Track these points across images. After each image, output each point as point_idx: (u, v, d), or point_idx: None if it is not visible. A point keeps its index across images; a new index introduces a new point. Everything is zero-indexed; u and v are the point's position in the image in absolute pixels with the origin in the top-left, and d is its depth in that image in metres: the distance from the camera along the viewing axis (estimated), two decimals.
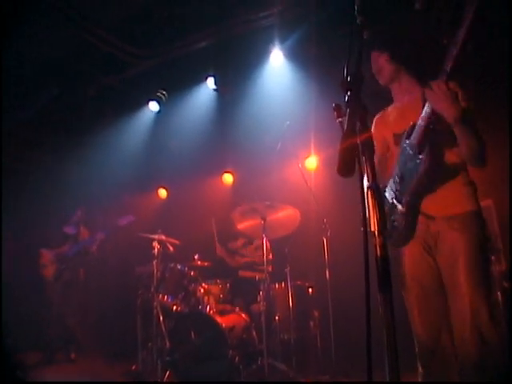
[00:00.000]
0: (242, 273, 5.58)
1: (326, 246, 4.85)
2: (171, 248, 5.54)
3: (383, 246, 1.43)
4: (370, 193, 1.46)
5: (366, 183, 1.48)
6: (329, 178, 5.69)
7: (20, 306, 6.40)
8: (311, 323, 5.00)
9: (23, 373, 3.50)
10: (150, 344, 5.11)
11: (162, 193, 7.72)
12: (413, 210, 2.49)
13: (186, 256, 5.50)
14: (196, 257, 5.45)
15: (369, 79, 2.72)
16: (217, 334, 4.48)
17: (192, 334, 4.59)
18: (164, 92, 6.65)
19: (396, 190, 2.54)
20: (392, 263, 1.48)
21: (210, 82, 6.33)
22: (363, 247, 1.42)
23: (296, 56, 5.76)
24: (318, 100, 5.31)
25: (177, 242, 5.59)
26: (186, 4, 5.23)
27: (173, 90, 6.62)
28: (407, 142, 2.46)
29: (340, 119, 1.57)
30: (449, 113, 2.23)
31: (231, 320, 4.73)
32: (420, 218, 2.50)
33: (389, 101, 2.83)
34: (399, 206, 2.51)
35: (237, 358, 4.40)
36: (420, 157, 2.39)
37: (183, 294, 5.15)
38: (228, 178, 7.19)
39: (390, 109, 2.82)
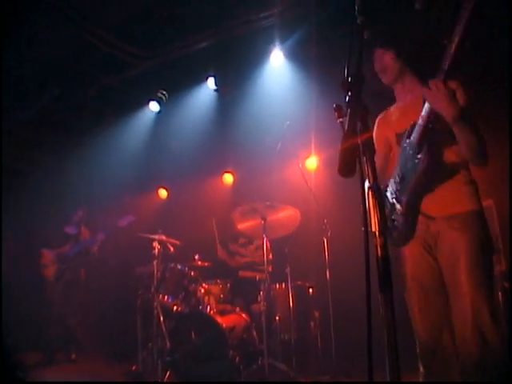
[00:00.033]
0: (242, 273, 5.58)
1: (327, 246, 4.85)
2: (171, 248, 5.54)
3: (384, 247, 1.43)
4: (370, 193, 1.46)
5: (366, 183, 1.48)
6: (329, 178, 5.69)
7: (20, 306, 6.40)
8: (311, 323, 5.00)
9: (23, 373, 3.50)
10: (150, 344, 5.12)
11: (163, 193, 7.72)
12: (412, 210, 2.49)
13: (187, 256, 5.50)
14: (196, 257, 5.45)
15: (370, 79, 2.73)
16: (217, 334, 4.48)
17: (192, 334, 4.59)
18: (164, 92, 6.65)
19: (396, 190, 2.54)
20: (393, 263, 1.48)
21: (211, 83, 6.33)
22: (364, 247, 1.42)
23: (296, 56, 5.77)
24: (319, 100, 5.31)
25: (177, 242, 5.59)
26: (187, 4, 5.23)
27: (173, 90, 6.63)
28: (407, 141, 2.46)
29: (341, 119, 1.58)
30: (447, 112, 2.22)
31: (232, 320, 4.73)
32: (420, 217, 2.49)
33: (391, 100, 2.83)
34: (399, 206, 2.51)
35: (237, 358, 4.40)
36: (419, 156, 2.39)
37: (183, 294, 5.15)
38: (228, 178, 7.20)
39: (392, 108, 2.82)
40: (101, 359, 6.09)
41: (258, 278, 5.07)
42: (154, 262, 5.18)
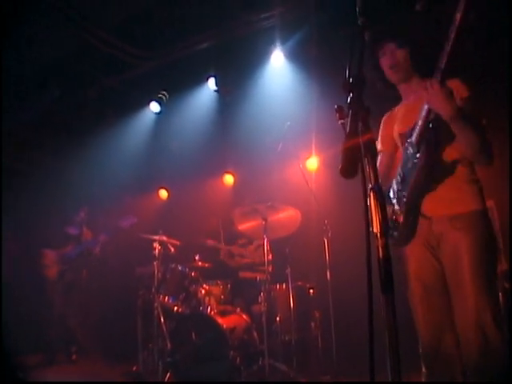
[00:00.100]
0: (242, 274, 5.58)
1: (327, 247, 4.84)
2: (172, 249, 5.54)
3: (385, 247, 1.43)
4: (372, 194, 1.46)
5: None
6: (330, 179, 5.69)
7: (20, 307, 6.39)
8: (312, 324, 5.00)
9: (24, 373, 3.50)
10: (150, 345, 5.13)
11: (163, 193, 7.72)
12: (413, 210, 2.48)
13: (187, 257, 5.50)
14: (197, 257, 5.45)
15: (372, 79, 2.72)
16: (218, 335, 4.48)
17: (193, 334, 4.59)
18: (165, 93, 6.65)
19: (397, 190, 2.54)
20: (395, 263, 1.48)
21: (211, 83, 6.33)
22: (366, 248, 1.41)
23: (297, 57, 5.77)
24: (319, 101, 5.32)
25: (178, 242, 5.59)
26: (187, 5, 5.23)
27: (174, 90, 6.63)
28: (409, 141, 2.45)
29: (342, 121, 1.58)
30: (444, 111, 2.22)
31: (232, 321, 4.73)
32: (421, 217, 2.49)
33: (394, 101, 2.82)
34: (400, 206, 2.51)
35: (238, 359, 4.41)
36: (417, 156, 2.39)
37: (184, 294, 5.14)
38: (229, 179, 7.19)
39: (397, 108, 2.80)
40: (101, 360, 6.08)
41: (258, 278, 5.07)
42: (155, 263, 5.18)
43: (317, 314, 5.01)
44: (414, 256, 2.55)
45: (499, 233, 4.03)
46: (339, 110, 1.59)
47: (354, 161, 1.48)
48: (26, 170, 7.64)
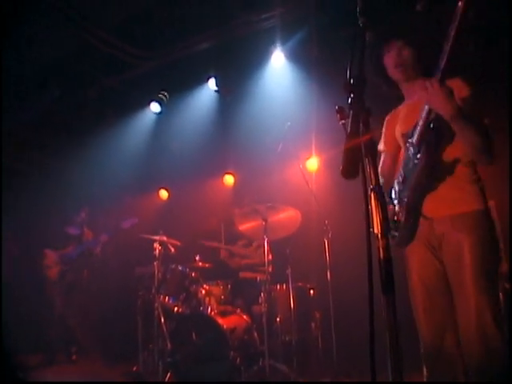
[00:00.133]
0: (242, 274, 5.57)
1: (328, 248, 4.84)
2: (172, 249, 5.54)
3: (386, 248, 1.43)
4: (373, 195, 1.46)
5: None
6: (330, 179, 5.69)
7: (20, 307, 6.39)
8: (312, 325, 5.00)
9: (24, 373, 3.50)
10: (151, 345, 5.13)
11: (163, 194, 7.71)
12: (413, 211, 2.48)
13: (187, 257, 5.50)
14: (197, 258, 5.44)
15: (375, 79, 2.71)
16: (218, 336, 4.48)
17: (193, 335, 4.59)
18: (165, 93, 6.65)
19: (399, 191, 2.54)
20: (398, 264, 1.48)
21: (212, 83, 6.33)
22: (366, 249, 1.41)
23: (297, 57, 5.76)
24: (319, 101, 5.32)
25: (178, 243, 5.59)
26: (188, 5, 5.23)
27: (174, 91, 6.62)
28: (410, 141, 2.44)
29: (343, 121, 1.57)
30: (444, 111, 2.21)
31: (232, 321, 4.73)
32: (422, 218, 2.48)
33: (399, 100, 2.81)
34: (401, 206, 2.50)
35: (238, 360, 4.41)
36: (418, 156, 2.38)
37: (184, 295, 5.14)
38: (229, 179, 7.19)
39: (400, 108, 2.79)
40: (101, 360, 6.08)
41: (258, 279, 5.07)
42: (155, 263, 5.18)
43: (317, 315, 5.01)
44: (415, 256, 2.55)
45: (499, 233, 4.03)
46: (340, 110, 1.59)
47: (355, 161, 1.48)
48: (26, 170, 7.64)
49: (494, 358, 2.19)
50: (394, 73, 2.62)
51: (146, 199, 7.62)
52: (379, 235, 1.44)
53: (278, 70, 5.95)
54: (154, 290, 5.11)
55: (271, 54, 5.84)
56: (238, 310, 5.01)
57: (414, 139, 2.40)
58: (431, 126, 2.33)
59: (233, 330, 4.55)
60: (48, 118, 7.00)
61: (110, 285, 6.84)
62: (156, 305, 5.05)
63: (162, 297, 5.12)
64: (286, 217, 5.05)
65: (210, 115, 6.69)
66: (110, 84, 6.55)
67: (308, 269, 5.29)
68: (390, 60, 2.60)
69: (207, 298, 4.94)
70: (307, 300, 5.09)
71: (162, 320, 5.01)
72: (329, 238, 4.87)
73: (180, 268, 5.26)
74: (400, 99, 2.79)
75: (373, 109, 1.52)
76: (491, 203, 3.95)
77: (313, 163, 6.10)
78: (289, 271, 4.95)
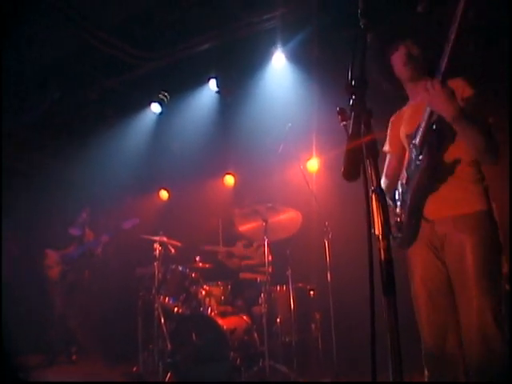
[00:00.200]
0: (242, 275, 5.57)
1: (328, 249, 4.83)
2: (172, 250, 5.54)
3: (387, 250, 1.43)
4: (374, 196, 1.46)
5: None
6: (330, 180, 5.68)
7: (20, 307, 6.40)
8: (312, 325, 5.00)
9: (25, 374, 3.50)
10: (151, 345, 5.14)
11: (164, 194, 7.71)
12: (416, 212, 2.48)
13: (188, 258, 5.50)
14: (197, 258, 5.44)
15: (380, 79, 2.71)
16: (218, 336, 4.48)
17: (193, 335, 4.59)
18: (166, 94, 6.65)
19: (402, 192, 2.54)
20: (399, 266, 1.48)
21: (212, 84, 6.33)
22: (367, 250, 1.41)
23: (298, 58, 5.76)
24: (320, 102, 5.32)
25: (178, 243, 5.60)
26: (188, 5, 5.23)
27: (175, 91, 6.62)
28: (413, 142, 2.44)
29: (344, 123, 1.57)
30: (446, 112, 2.20)
31: (232, 322, 4.73)
32: (423, 220, 2.48)
33: (404, 101, 2.80)
34: (404, 208, 2.50)
35: (238, 360, 4.41)
36: (420, 158, 2.38)
37: (184, 295, 5.15)
38: (229, 180, 7.19)
39: (405, 109, 2.78)
40: (101, 360, 6.08)
41: (258, 279, 5.07)
42: (155, 264, 5.19)
43: (317, 316, 5.01)
44: (417, 257, 2.54)
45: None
46: (341, 112, 1.58)
47: (356, 163, 1.48)
48: (27, 170, 7.64)
49: (495, 359, 2.19)
50: (402, 71, 2.59)
51: (146, 200, 7.62)
52: (380, 237, 1.44)
53: (279, 70, 5.95)
54: (154, 291, 5.12)
55: (272, 54, 5.84)
56: (238, 311, 5.02)
57: (417, 140, 2.39)
58: (433, 127, 2.32)
59: (233, 331, 4.56)
60: (48, 119, 7.00)
61: (110, 285, 6.84)
62: (156, 305, 5.05)
63: (162, 297, 5.13)
64: (287, 218, 5.06)
65: (211, 116, 6.69)
66: (110, 84, 6.54)
67: (308, 270, 5.28)
68: (398, 58, 2.56)
69: (207, 299, 4.94)
70: (307, 301, 5.09)
71: (162, 320, 5.01)
72: (329, 239, 4.87)
73: (180, 268, 5.27)
74: (404, 100, 2.79)
75: (375, 110, 1.52)
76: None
77: (313, 164, 6.10)
78: (289, 272, 4.95)
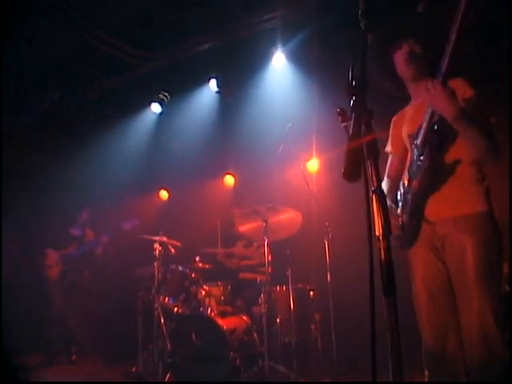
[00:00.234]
0: (242, 275, 5.57)
1: (328, 249, 4.83)
2: (172, 250, 5.54)
3: (387, 250, 1.43)
4: (374, 197, 1.46)
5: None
6: (330, 181, 5.68)
7: (20, 307, 6.39)
8: (312, 326, 5.00)
9: (25, 373, 3.50)
10: (150, 345, 5.13)
11: (164, 194, 7.71)
12: (417, 213, 2.47)
13: (188, 258, 5.50)
14: (197, 259, 5.44)
15: (382, 79, 2.70)
16: (218, 336, 4.48)
17: (193, 335, 4.59)
18: (166, 94, 6.65)
19: (403, 192, 2.53)
20: (399, 266, 1.48)
21: (213, 84, 6.34)
22: (368, 251, 1.41)
23: (298, 58, 5.77)
24: (320, 102, 5.32)
25: (178, 243, 5.60)
26: (189, 6, 5.23)
27: (175, 91, 6.63)
28: (415, 142, 2.43)
29: (345, 123, 1.57)
30: (447, 112, 2.20)
31: (232, 322, 4.73)
32: (424, 222, 2.48)
33: (406, 101, 2.80)
34: (405, 208, 2.50)
35: (238, 360, 4.40)
36: (421, 158, 2.38)
37: (184, 295, 5.15)
38: (229, 180, 7.19)
39: (407, 108, 2.77)
40: (101, 360, 6.08)
41: (258, 280, 5.07)
42: (155, 264, 5.19)
43: (317, 316, 5.01)
44: (419, 258, 2.54)
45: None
46: (342, 112, 1.58)
47: (357, 164, 1.48)
48: (27, 170, 7.64)
49: (495, 359, 2.19)
50: (404, 70, 2.58)
51: (146, 200, 7.62)
52: (380, 237, 1.44)
53: (279, 71, 5.96)
54: (153, 291, 5.12)
55: (272, 55, 5.84)
56: (238, 311, 5.02)
57: (419, 141, 2.39)
58: (435, 127, 2.32)
59: (232, 331, 4.55)
60: (48, 119, 7.00)
61: (110, 285, 6.84)
62: (156, 305, 5.05)
63: (161, 297, 5.13)
64: (287, 218, 5.06)
65: (211, 116, 6.69)
66: (110, 84, 6.54)
67: (308, 270, 5.29)
68: (400, 57, 2.56)
69: (207, 299, 4.94)
70: (307, 301, 5.09)
71: (162, 320, 5.01)
72: (329, 239, 4.87)
73: (180, 269, 5.27)
74: (405, 100, 2.78)
75: (375, 111, 1.52)
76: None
77: (313, 164, 6.10)
78: (289, 272, 4.95)
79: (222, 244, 6.01)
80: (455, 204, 2.39)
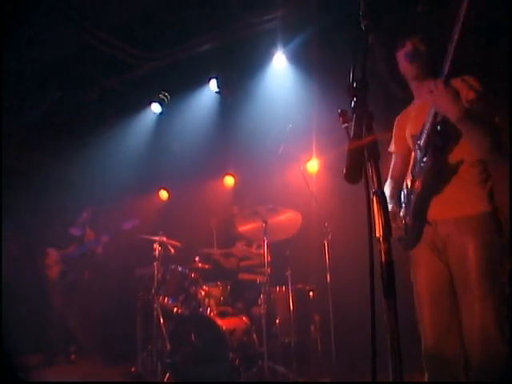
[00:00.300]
0: (241, 276, 5.57)
1: (327, 250, 4.83)
2: (172, 250, 5.54)
3: (388, 252, 1.43)
4: (375, 198, 1.46)
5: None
6: (330, 181, 5.68)
7: (20, 307, 6.39)
8: (312, 327, 5.00)
9: (24, 373, 3.50)
10: (150, 346, 5.12)
11: (164, 194, 7.71)
12: (420, 214, 2.47)
13: (187, 258, 5.50)
14: (197, 259, 5.44)
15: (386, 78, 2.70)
16: (217, 337, 4.48)
17: (192, 336, 4.59)
18: (166, 94, 6.65)
19: (407, 193, 2.53)
20: (399, 267, 1.48)
21: (213, 85, 6.33)
22: (368, 252, 1.41)
23: (299, 59, 5.76)
24: (321, 103, 5.32)
25: (178, 243, 5.59)
26: (190, 6, 5.23)
27: (175, 91, 6.62)
28: (418, 143, 2.42)
29: (345, 125, 1.57)
30: (451, 113, 2.18)
31: (232, 323, 4.73)
32: (426, 223, 2.47)
33: (409, 100, 2.79)
34: (408, 209, 2.50)
35: (237, 361, 4.40)
36: (424, 159, 2.37)
37: (184, 296, 5.15)
38: (229, 181, 7.19)
39: (410, 108, 2.75)
40: (101, 360, 6.08)
41: (258, 280, 5.07)
42: (155, 264, 5.19)
43: (316, 317, 5.01)
44: (421, 259, 2.53)
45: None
46: (342, 114, 1.58)
47: (358, 165, 1.48)
48: (27, 170, 7.64)
49: (496, 361, 2.19)
50: (407, 69, 2.55)
51: (146, 200, 7.62)
52: (381, 239, 1.44)
53: (280, 71, 5.95)
54: (153, 291, 5.12)
55: (273, 55, 5.84)
56: (238, 312, 5.02)
57: (422, 142, 2.38)
58: (438, 128, 2.30)
59: (232, 332, 4.55)
60: (48, 119, 6.99)
61: (110, 285, 6.84)
62: (155, 305, 5.05)
63: (161, 297, 5.13)
64: (287, 219, 5.06)
65: (211, 116, 6.69)
66: (110, 84, 6.54)
67: (308, 271, 5.28)
68: (404, 55, 2.53)
69: (207, 299, 4.94)
70: (307, 302, 5.08)
71: (162, 321, 5.01)
72: (329, 240, 4.87)
73: (180, 269, 5.27)
74: (407, 101, 2.77)
75: (376, 112, 1.52)
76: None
77: (313, 165, 6.09)
78: (288, 273, 4.95)
79: (221, 244, 6.00)
80: (458, 205, 2.38)
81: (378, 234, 1.44)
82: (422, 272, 2.52)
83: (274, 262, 5.27)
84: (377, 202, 1.45)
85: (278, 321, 4.82)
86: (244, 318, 4.93)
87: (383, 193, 1.47)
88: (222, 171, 7.18)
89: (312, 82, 5.62)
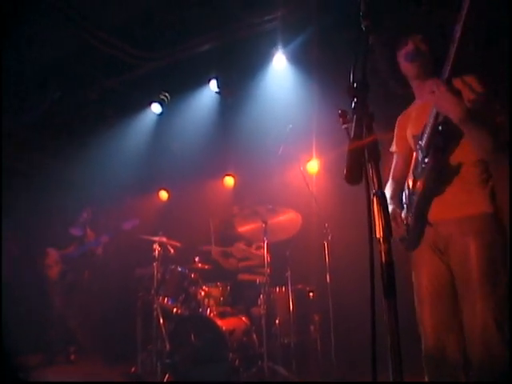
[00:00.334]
0: (241, 276, 5.57)
1: (327, 250, 4.83)
2: (172, 250, 5.54)
3: (388, 252, 1.43)
4: (375, 199, 1.46)
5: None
6: (330, 182, 5.68)
7: (20, 307, 6.39)
8: (311, 327, 4.99)
9: (24, 373, 3.50)
10: (149, 346, 5.12)
11: (163, 195, 7.71)
12: (421, 214, 2.46)
13: (187, 258, 5.50)
14: (197, 259, 5.44)
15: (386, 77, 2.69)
16: (217, 337, 4.48)
17: (192, 336, 4.59)
18: (166, 94, 6.65)
19: (409, 194, 2.53)
20: (398, 268, 1.48)
21: (213, 85, 6.33)
22: (369, 253, 1.41)
23: (299, 59, 5.76)
24: (321, 103, 5.31)
25: (178, 244, 5.59)
26: (189, 6, 5.23)
27: (175, 91, 6.62)
28: (420, 143, 2.41)
29: (346, 125, 1.56)
30: (453, 114, 2.17)
31: (231, 323, 4.73)
32: (427, 224, 2.47)
33: (410, 100, 2.78)
34: (410, 210, 2.50)
35: (237, 361, 4.40)
36: (426, 160, 2.36)
37: (183, 296, 5.15)
38: (229, 181, 7.19)
39: (411, 108, 2.74)
40: (100, 360, 6.07)
41: (258, 281, 5.06)
42: (155, 264, 5.19)
43: (316, 318, 5.00)
44: (422, 260, 2.53)
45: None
46: (343, 114, 1.58)
47: (358, 166, 1.48)
48: (27, 170, 7.64)
49: (496, 361, 2.18)
50: (408, 68, 2.54)
51: (146, 200, 7.62)
52: (381, 240, 1.44)
53: (280, 72, 5.95)
54: (153, 291, 5.12)
55: (273, 55, 5.83)
56: (237, 312, 5.02)
57: (423, 142, 2.36)
58: (439, 128, 2.29)
59: (232, 332, 4.55)
60: (48, 119, 6.99)
61: (110, 285, 6.84)
62: (155, 306, 5.05)
63: (161, 298, 5.13)
64: (286, 219, 5.06)
65: (211, 117, 6.69)
66: (110, 84, 6.54)
67: (308, 271, 5.28)
68: (405, 54, 2.51)
69: (206, 300, 4.94)
70: (306, 302, 5.08)
71: (161, 321, 5.01)
72: (329, 240, 4.87)
73: (179, 269, 5.27)
74: (408, 101, 2.76)
75: (377, 113, 1.51)
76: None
77: (313, 165, 6.10)
78: (288, 273, 4.95)
79: (221, 244, 6.00)
80: (459, 205, 2.37)
81: (378, 235, 1.44)
82: (423, 272, 2.52)
83: (273, 262, 5.26)
84: (377, 203, 1.45)
85: (277, 321, 4.82)
86: (244, 318, 4.92)
87: (383, 194, 1.47)
88: (222, 172, 7.18)
89: (312, 83, 5.62)
